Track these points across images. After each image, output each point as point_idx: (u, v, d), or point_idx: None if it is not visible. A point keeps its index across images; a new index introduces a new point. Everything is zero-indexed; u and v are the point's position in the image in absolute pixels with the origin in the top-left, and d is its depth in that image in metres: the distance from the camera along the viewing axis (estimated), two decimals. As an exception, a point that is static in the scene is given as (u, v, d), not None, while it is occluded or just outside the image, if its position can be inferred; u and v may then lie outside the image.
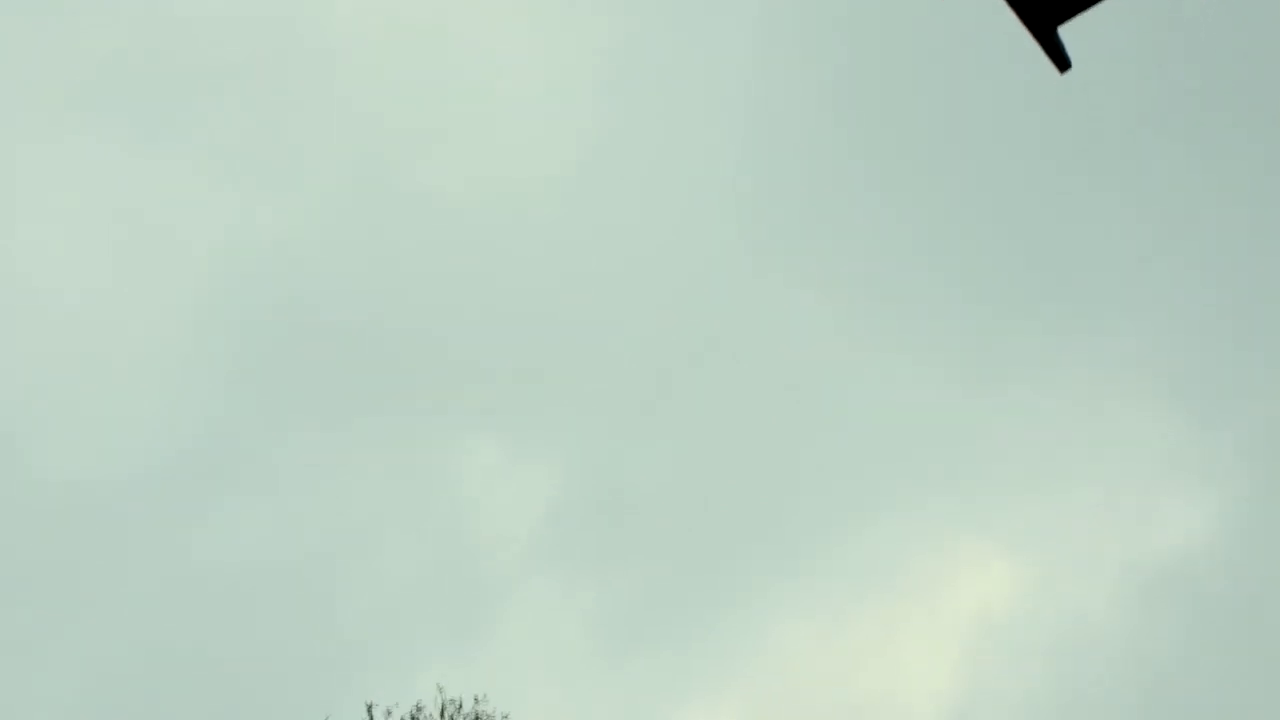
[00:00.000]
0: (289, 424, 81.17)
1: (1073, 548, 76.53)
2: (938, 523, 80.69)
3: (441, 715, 21.56)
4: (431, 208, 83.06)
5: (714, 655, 75.91)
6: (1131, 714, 65.76)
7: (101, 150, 78.08)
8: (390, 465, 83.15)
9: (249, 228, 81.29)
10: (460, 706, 21.71)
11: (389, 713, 21.57)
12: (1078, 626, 71.38)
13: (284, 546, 77.54)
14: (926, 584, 79.71)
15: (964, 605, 78.81)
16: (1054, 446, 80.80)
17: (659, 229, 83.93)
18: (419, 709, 21.55)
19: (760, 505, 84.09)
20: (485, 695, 21.81)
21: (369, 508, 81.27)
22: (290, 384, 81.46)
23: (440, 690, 21.74)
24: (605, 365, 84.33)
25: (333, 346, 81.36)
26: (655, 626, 78.78)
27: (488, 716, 21.76)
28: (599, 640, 77.53)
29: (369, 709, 21.61)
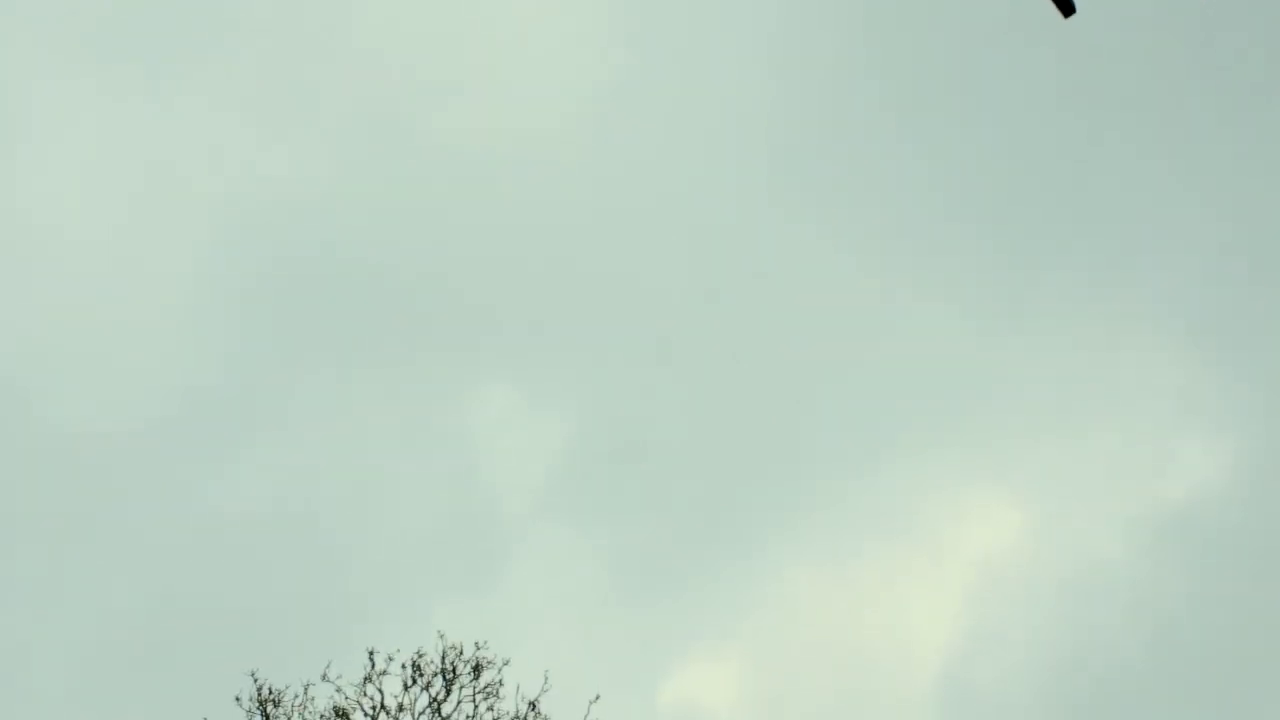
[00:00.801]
0: (301, 371, 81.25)
1: (1086, 492, 76.16)
2: (950, 467, 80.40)
3: (443, 661, 21.70)
4: (447, 154, 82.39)
5: (724, 598, 76.14)
6: (1141, 655, 65.80)
7: (115, 93, 77.66)
8: (403, 412, 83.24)
9: (264, 173, 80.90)
10: (461, 653, 21.84)
11: (390, 659, 21.72)
12: (1088, 570, 71.16)
13: (296, 493, 77.86)
14: (937, 528, 79.56)
15: (974, 548, 78.65)
16: (1071, 392, 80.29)
17: (676, 176, 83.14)
18: (420, 655, 21.69)
19: (772, 450, 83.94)
20: (486, 642, 21.93)
21: (381, 454, 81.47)
22: (303, 331, 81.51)
23: (441, 637, 21.87)
24: (620, 312, 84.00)
25: (345, 293, 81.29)
26: (666, 571, 79.00)
27: (488, 662, 21.87)
28: (611, 584, 77.83)
29: (370, 655, 21.78)
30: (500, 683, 21.67)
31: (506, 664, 21.84)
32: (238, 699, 21.47)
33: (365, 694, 21.52)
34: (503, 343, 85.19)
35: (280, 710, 21.59)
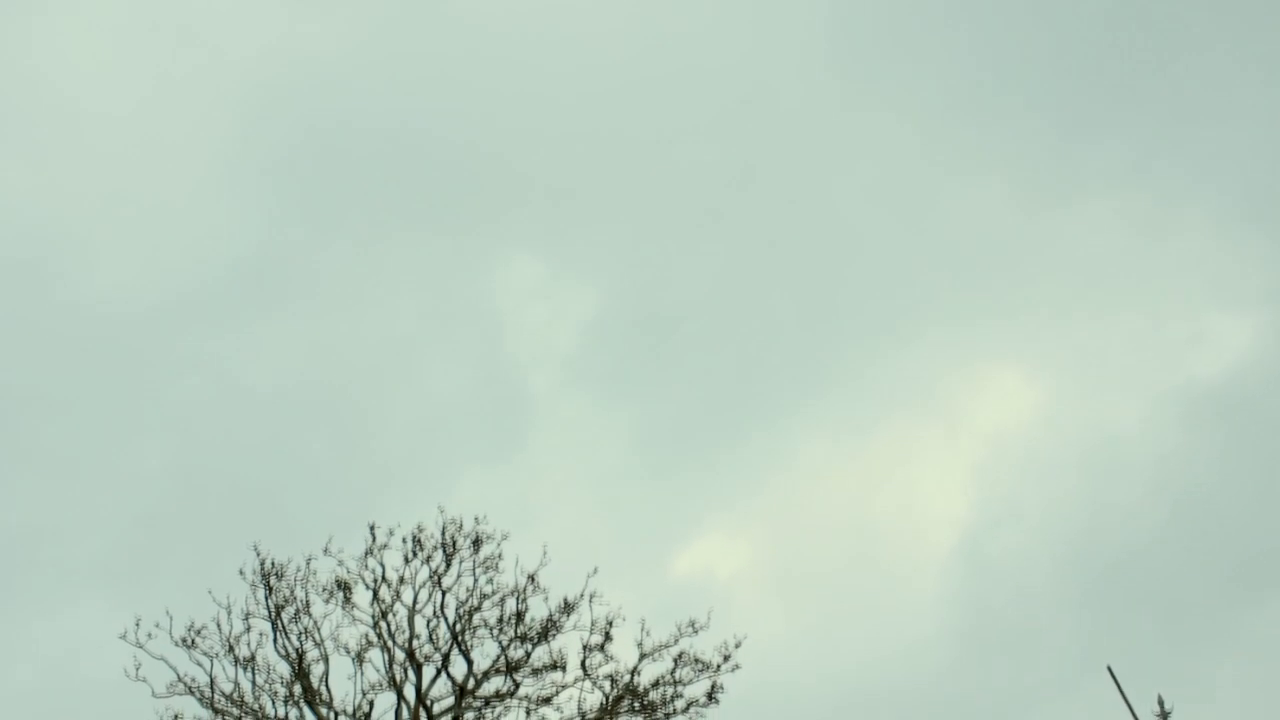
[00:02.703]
0: (328, 243, 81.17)
1: (1112, 370, 75.46)
2: (975, 343, 79.73)
3: (443, 535, 21.89)
4: (477, 22, 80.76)
5: (743, 471, 76.56)
6: (1161, 532, 65.78)
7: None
8: (429, 282, 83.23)
9: (293, 41, 79.73)
10: (460, 527, 22.01)
11: (391, 533, 21.94)
12: (1109, 446, 70.91)
13: (322, 363, 78.48)
14: (957, 403, 79.20)
15: (995, 423, 78.39)
16: (1105, 269, 79.09)
17: (723, 47, 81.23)
18: (420, 529, 21.88)
19: (799, 325, 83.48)
20: (485, 516, 22.08)
21: (407, 324, 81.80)
22: (330, 200, 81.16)
23: (441, 511, 22.03)
24: (653, 184, 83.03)
25: (373, 163, 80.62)
26: (687, 443, 79.39)
27: (488, 536, 22.05)
28: (633, 456, 78.48)
29: (371, 529, 22.01)
30: (500, 556, 21.88)
31: (505, 538, 22.01)
32: (241, 572, 21.89)
33: (367, 567, 21.86)
34: (531, 213, 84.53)
35: (283, 583, 22.00)
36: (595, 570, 21.35)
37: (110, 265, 79.24)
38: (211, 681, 21.47)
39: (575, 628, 21.49)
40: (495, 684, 21.44)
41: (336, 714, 21.47)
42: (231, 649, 21.60)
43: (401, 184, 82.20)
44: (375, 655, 21.66)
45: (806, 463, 78.61)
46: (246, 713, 21.42)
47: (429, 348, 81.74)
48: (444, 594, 21.53)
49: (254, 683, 21.59)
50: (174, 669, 21.43)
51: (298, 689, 21.50)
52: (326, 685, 21.66)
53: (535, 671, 21.46)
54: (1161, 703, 26.98)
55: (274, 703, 21.56)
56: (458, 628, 21.24)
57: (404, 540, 21.71)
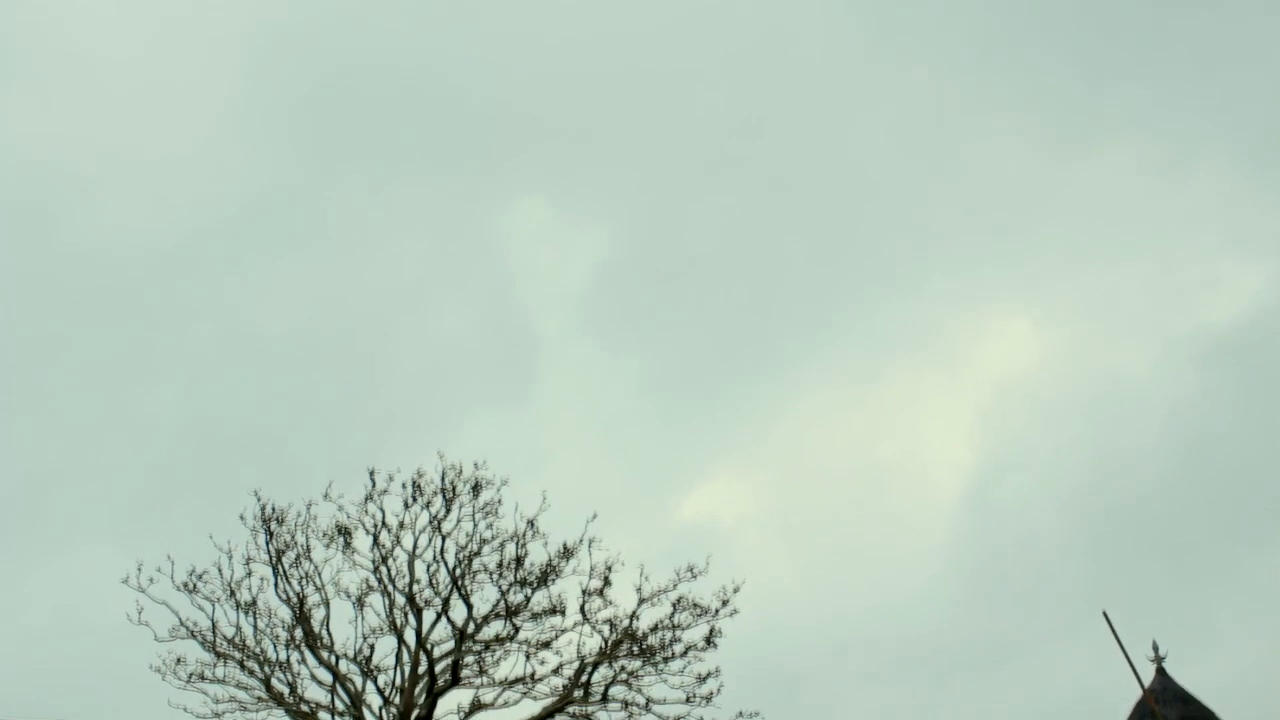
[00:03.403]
0: (337, 184, 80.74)
1: (1123, 315, 74.97)
2: (986, 288, 79.20)
3: (443, 481, 21.89)
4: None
5: (749, 416, 76.52)
6: (1170, 473, 65.65)
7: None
8: (438, 225, 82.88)
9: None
10: (460, 472, 22.00)
11: (390, 479, 21.94)
12: (1118, 391, 70.64)
13: (331, 307, 78.45)
14: (966, 349, 78.79)
15: (1003, 369, 78.01)
16: (1120, 215, 78.32)
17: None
18: (420, 475, 21.88)
19: (809, 271, 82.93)
20: (485, 461, 22.06)
21: (416, 267, 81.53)
22: (338, 143, 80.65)
23: (441, 457, 22.01)
24: (662, 127, 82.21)
25: (381, 105, 79.89)
26: (695, 388, 79.37)
27: (487, 482, 22.04)
28: (642, 399, 78.48)
29: (371, 474, 22.00)
30: (499, 502, 21.88)
31: (505, 484, 22.00)
32: (241, 517, 21.93)
33: (367, 513, 21.87)
34: (541, 156, 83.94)
35: (284, 528, 22.05)
36: (595, 516, 21.34)
37: (117, 209, 79.11)
38: (213, 625, 21.60)
39: (574, 573, 21.53)
40: (495, 628, 21.56)
41: (337, 657, 21.61)
42: (233, 594, 21.71)
43: (411, 126, 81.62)
44: (376, 600, 21.78)
45: (813, 408, 78.52)
46: (248, 656, 21.57)
47: (437, 291, 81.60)
48: (444, 539, 21.57)
49: (255, 627, 21.72)
50: (176, 613, 21.57)
51: (299, 633, 21.62)
52: (327, 629, 21.79)
53: (535, 616, 21.55)
54: (1156, 647, 27.12)
55: (275, 646, 21.72)
56: (457, 572, 21.30)
57: (404, 486, 21.70)
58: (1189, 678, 26.55)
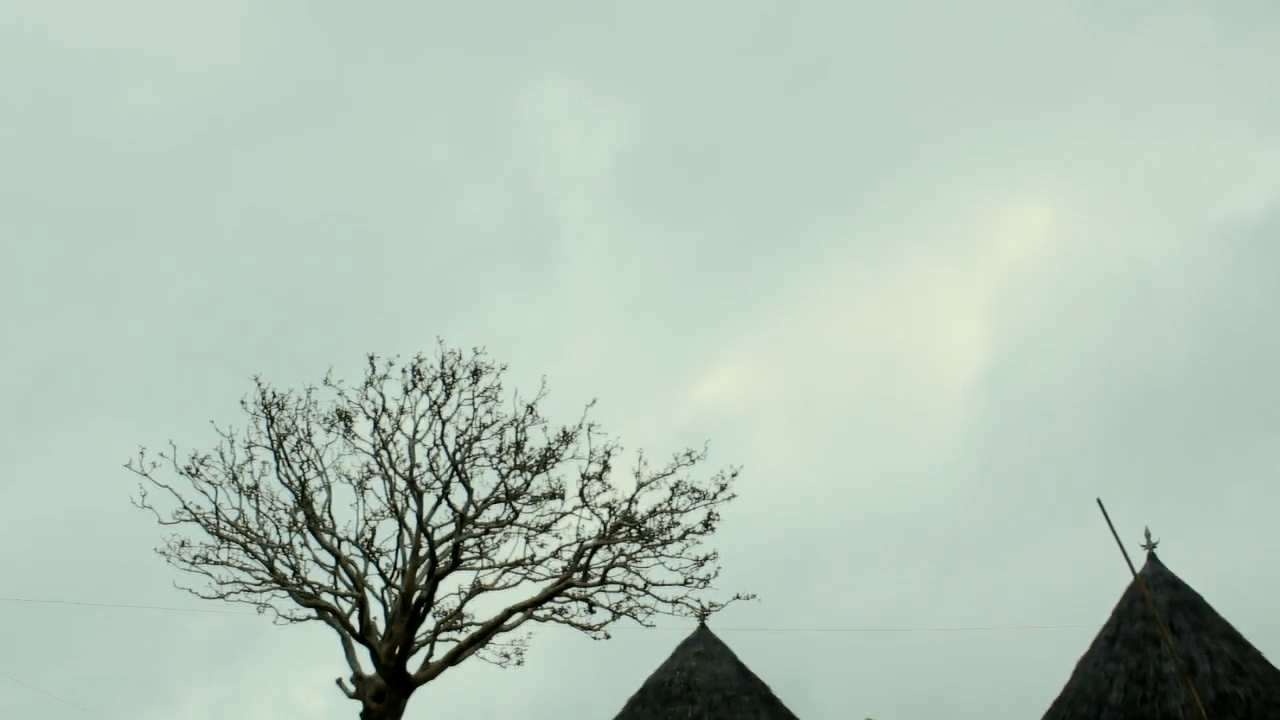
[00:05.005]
0: (358, 63, 79.57)
1: (1153, 200, 73.53)
2: (1015, 169, 77.79)
3: (442, 366, 21.82)
4: None
5: (767, 302, 76.09)
6: (1196, 362, 65.08)
7: None
8: (460, 104, 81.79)
9: None
10: (460, 358, 21.93)
11: (390, 364, 21.90)
12: (1143, 277, 69.68)
13: (351, 189, 77.94)
14: (989, 232, 77.73)
15: (1025, 252, 77.04)
16: (1157, 97, 76.27)
17: None
18: (420, 360, 21.81)
19: (835, 154, 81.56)
20: (484, 346, 21.96)
21: (438, 148, 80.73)
22: (359, 21, 79.23)
23: (440, 342, 21.92)
24: (689, 5, 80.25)
25: (393, -14, 78.22)
26: (715, 273, 78.80)
27: (486, 367, 21.97)
28: (664, 282, 78.10)
29: (370, 360, 21.96)
30: (499, 387, 21.83)
31: (504, 369, 21.93)
32: (242, 403, 22.02)
33: (367, 398, 21.89)
34: (566, 34, 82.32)
35: (285, 413, 22.13)
36: (594, 401, 21.28)
37: (135, 93, 78.35)
38: (216, 509, 21.85)
39: (574, 458, 21.57)
40: (495, 512, 21.70)
41: (339, 540, 21.87)
42: (235, 478, 21.91)
43: (434, 2, 79.97)
44: (377, 484, 21.94)
45: (832, 294, 77.99)
46: (251, 539, 21.85)
47: (459, 171, 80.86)
48: (444, 424, 21.57)
49: (258, 511, 21.98)
50: (179, 497, 21.81)
51: (301, 517, 21.85)
52: (329, 513, 22.02)
53: (534, 500, 21.66)
54: (1148, 534, 27.20)
55: (278, 530, 21.99)
56: (457, 457, 21.35)
57: (403, 372, 21.66)
58: (1189, 565, 26.73)
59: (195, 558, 21.82)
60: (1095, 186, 75.79)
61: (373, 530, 21.65)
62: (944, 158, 78.49)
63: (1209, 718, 23.07)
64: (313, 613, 21.83)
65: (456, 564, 21.33)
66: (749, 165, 79.73)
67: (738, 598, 21.51)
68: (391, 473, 21.74)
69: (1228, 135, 74.43)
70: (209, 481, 21.83)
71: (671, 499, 21.35)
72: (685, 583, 21.34)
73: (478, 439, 21.57)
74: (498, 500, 21.57)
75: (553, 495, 21.56)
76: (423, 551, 21.39)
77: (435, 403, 21.59)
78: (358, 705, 20.71)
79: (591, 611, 21.50)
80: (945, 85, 78.87)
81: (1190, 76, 75.35)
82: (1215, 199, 73.08)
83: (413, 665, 21.06)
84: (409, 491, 21.64)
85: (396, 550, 21.59)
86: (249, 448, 21.94)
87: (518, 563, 21.58)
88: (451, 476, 21.33)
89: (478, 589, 21.42)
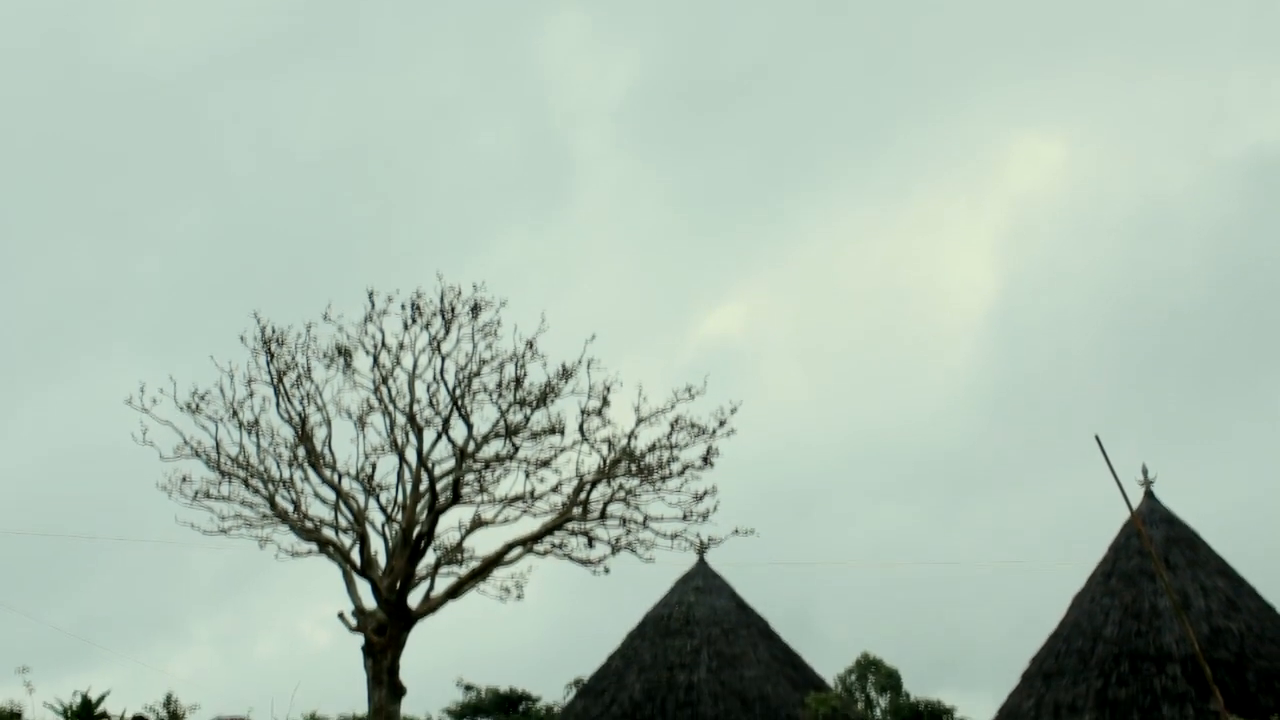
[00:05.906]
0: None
1: (1172, 133, 72.69)
2: (1031, 103, 76.87)
3: (442, 302, 21.74)
4: None
5: (780, 235, 75.65)
6: (1210, 297, 64.75)
7: None
8: (472, 38, 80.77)
9: None
10: (459, 294, 21.83)
11: (390, 300, 21.81)
12: (1161, 212, 69.15)
13: (363, 121, 77.27)
14: (1006, 164, 77.04)
15: (1038, 186, 76.44)
16: (1178, 30, 75.08)
17: None
18: (419, 296, 21.71)
19: (852, 88, 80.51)
20: (484, 282, 21.85)
21: (449, 81, 79.83)
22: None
23: (439, 278, 21.82)
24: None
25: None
26: (730, 206, 78.28)
27: (486, 303, 21.89)
28: (675, 216, 77.59)
29: (370, 295, 21.87)
30: (498, 323, 21.74)
31: (504, 304, 21.81)
32: (241, 338, 21.95)
33: (366, 333, 21.82)
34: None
35: (284, 349, 22.08)
36: (593, 337, 21.22)
37: (146, 25, 77.46)
38: (217, 445, 21.89)
39: (574, 393, 21.55)
40: (495, 447, 21.73)
41: (340, 475, 21.93)
42: (235, 414, 21.92)
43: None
44: (377, 419, 21.91)
45: (843, 230, 77.50)
46: (252, 474, 21.92)
47: (471, 103, 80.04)
48: (443, 360, 21.52)
49: (258, 446, 22.01)
50: (180, 433, 21.85)
51: (301, 452, 21.89)
52: (329, 448, 22.05)
53: (534, 435, 21.68)
54: (1145, 471, 27.33)
55: (279, 465, 22.04)
56: (457, 393, 21.34)
57: (402, 306, 21.56)
58: (1188, 503, 26.85)
59: (196, 493, 21.91)
60: (1109, 121, 75.09)
61: (373, 465, 21.73)
62: (958, 94, 77.77)
63: (1202, 652, 23.29)
64: (314, 547, 21.96)
65: (457, 499, 21.42)
66: (762, 101, 79.01)
67: (736, 532, 21.63)
68: (391, 408, 21.74)
69: (1245, 69, 73.58)
70: (209, 417, 21.85)
71: (670, 434, 21.37)
72: (684, 517, 21.43)
73: (477, 374, 21.54)
74: (497, 435, 21.60)
75: (552, 430, 21.58)
76: (423, 486, 21.46)
77: (435, 338, 21.53)
78: (360, 638, 20.91)
79: (591, 546, 21.64)
80: (961, 20, 77.84)
81: (1207, 8, 74.39)
82: (1232, 133, 72.41)
83: (414, 599, 21.22)
84: (409, 426, 21.66)
85: (397, 485, 21.68)
86: (249, 383, 21.93)
87: (517, 497, 21.66)
88: (451, 411, 21.35)
89: (478, 524, 21.52)
